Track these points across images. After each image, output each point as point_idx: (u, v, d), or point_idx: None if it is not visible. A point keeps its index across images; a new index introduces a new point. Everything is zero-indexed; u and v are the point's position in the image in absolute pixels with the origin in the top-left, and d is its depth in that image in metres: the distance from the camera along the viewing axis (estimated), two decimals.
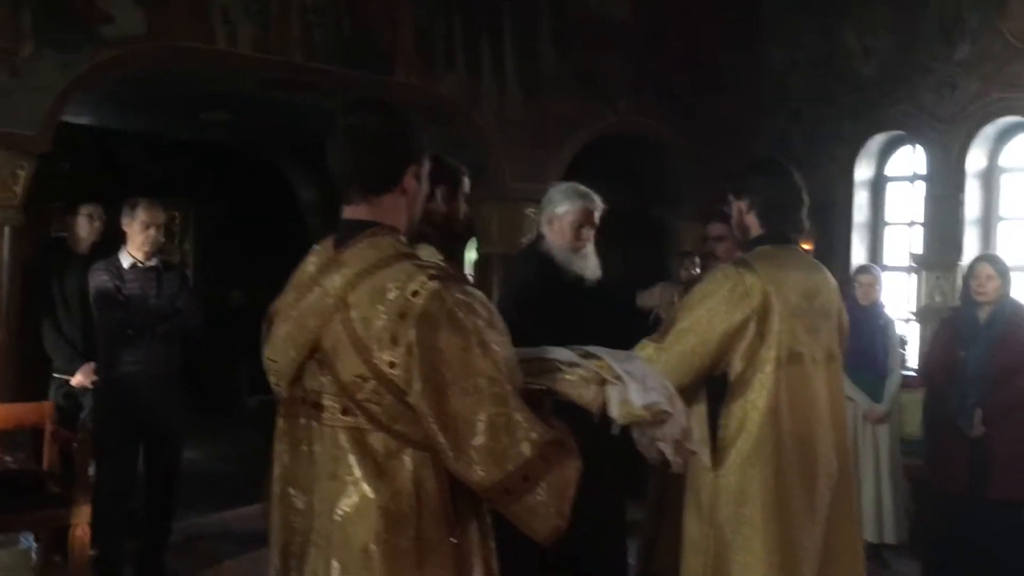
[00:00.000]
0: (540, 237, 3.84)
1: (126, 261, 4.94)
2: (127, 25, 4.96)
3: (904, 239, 6.88)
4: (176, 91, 6.56)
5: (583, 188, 3.79)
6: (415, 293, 1.70)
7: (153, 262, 5.01)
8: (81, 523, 4.38)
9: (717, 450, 2.98)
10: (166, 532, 5.10)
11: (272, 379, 1.92)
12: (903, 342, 6.47)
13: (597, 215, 3.77)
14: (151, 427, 4.95)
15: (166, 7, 5.06)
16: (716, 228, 4.39)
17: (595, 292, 3.73)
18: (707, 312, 2.94)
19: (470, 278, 7.78)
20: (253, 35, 5.32)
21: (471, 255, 9.15)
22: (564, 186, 3.85)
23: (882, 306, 5.87)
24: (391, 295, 1.71)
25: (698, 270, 5.55)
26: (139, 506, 5.08)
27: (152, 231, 4.92)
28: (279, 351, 1.86)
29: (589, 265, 3.76)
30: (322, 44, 5.58)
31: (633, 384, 1.82)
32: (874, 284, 5.77)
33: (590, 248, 3.78)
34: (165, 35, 5.08)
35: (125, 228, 4.94)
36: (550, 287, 3.62)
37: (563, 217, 3.70)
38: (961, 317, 4.95)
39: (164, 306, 4.98)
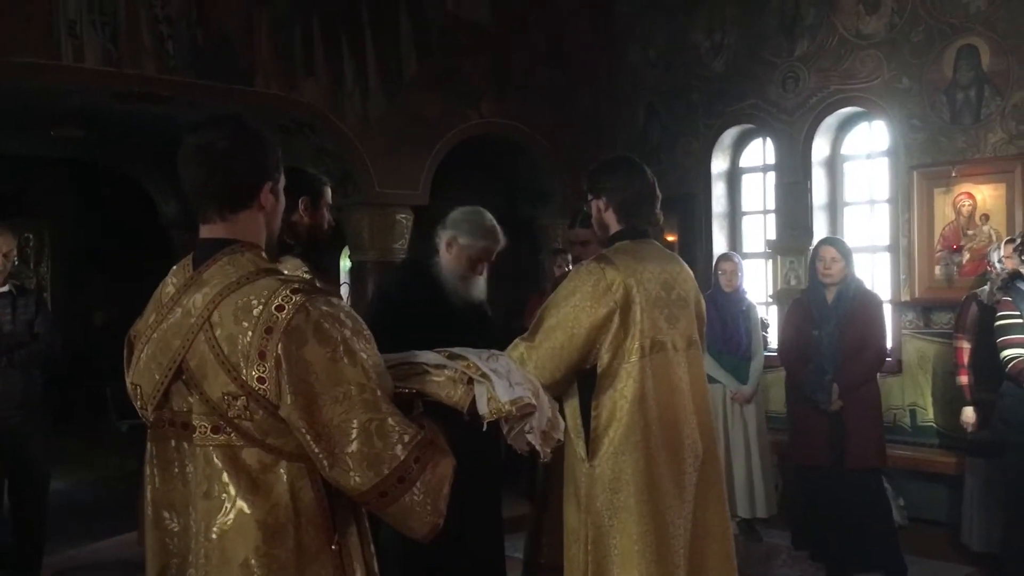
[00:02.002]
0: (435, 254, 3.80)
1: None
2: None
3: (759, 226, 7.22)
4: (23, 107, 6.28)
5: (490, 223, 3.75)
6: (280, 307, 1.71)
7: (6, 287, 4.83)
8: None
9: (591, 441, 3.08)
10: (36, 567, 4.91)
11: (137, 404, 1.89)
12: (765, 324, 6.80)
13: (496, 253, 3.78)
14: (13, 458, 4.76)
15: (6, 22, 4.84)
16: (581, 233, 4.51)
17: (480, 313, 3.78)
18: (573, 309, 3.03)
19: (345, 286, 7.73)
20: (102, 48, 5.14)
21: (346, 263, 9.10)
22: (474, 216, 3.76)
23: (744, 292, 6.14)
24: (256, 311, 1.72)
25: (570, 267, 5.67)
26: (5, 541, 4.87)
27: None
28: (143, 375, 1.85)
29: (476, 290, 3.78)
30: (176, 55, 5.45)
31: (499, 381, 1.88)
32: (735, 271, 6.03)
33: (479, 277, 3.79)
34: (6, 51, 4.86)
35: None
36: (434, 307, 3.62)
37: (464, 248, 3.68)
38: (810, 298, 5.23)
39: (20, 332, 4.79)
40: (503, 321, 4.11)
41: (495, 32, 6.98)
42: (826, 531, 5.22)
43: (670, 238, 7.13)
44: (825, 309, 5.09)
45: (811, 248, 6.21)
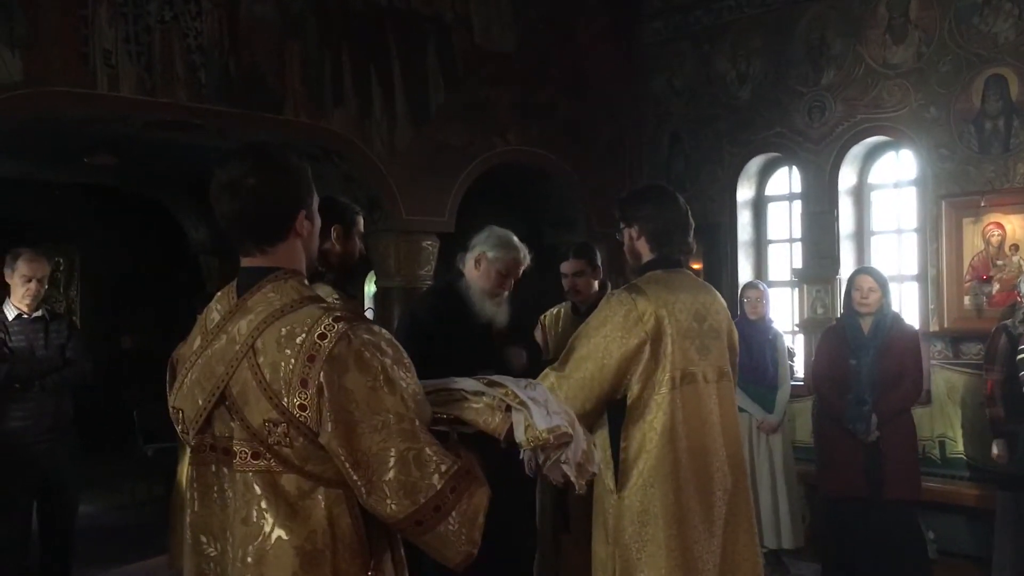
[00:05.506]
0: (459, 274, 3.89)
1: (11, 313, 4.79)
2: (2, 72, 4.80)
3: (785, 255, 7.19)
4: (57, 136, 6.38)
5: (517, 240, 3.90)
6: (323, 335, 1.73)
7: (39, 312, 4.88)
8: None
9: (620, 472, 3.06)
10: None
11: (179, 428, 1.91)
12: (791, 354, 6.75)
13: (522, 269, 3.88)
14: (44, 482, 4.79)
15: (44, 53, 4.93)
16: (571, 265, 4.61)
17: (502, 336, 3.81)
18: (603, 339, 3.02)
19: (370, 311, 7.76)
20: (136, 77, 5.22)
21: (370, 288, 9.14)
22: (501, 232, 3.91)
23: (770, 320, 6.12)
24: (299, 339, 1.73)
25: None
26: (34, 564, 4.90)
27: (33, 284, 4.79)
28: (186, 399, 1.86)
29: (500, 311, 3.85)
30: (208, 84, 5.52)
31: (537, 409, 1.88)
32: (761, 299, 6.02)
33: (505, 295, 3.87)
34: (43, 81, 4.94)
35: (7, 280, 4.79)
36: (457, 324, 3.66)
37: (493, 262, 3.79)
38: (847, 327, 5.19)
39: (52, 357, 4.84)
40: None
41: (521, 62, 7.04)
42: (858, 564, 5.15)
43: (695, 266, 7.11)
44: (862, 338, 5.05)
45: (838, 277, 6.18)
